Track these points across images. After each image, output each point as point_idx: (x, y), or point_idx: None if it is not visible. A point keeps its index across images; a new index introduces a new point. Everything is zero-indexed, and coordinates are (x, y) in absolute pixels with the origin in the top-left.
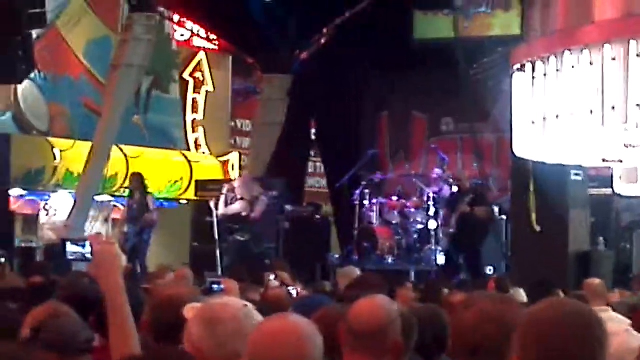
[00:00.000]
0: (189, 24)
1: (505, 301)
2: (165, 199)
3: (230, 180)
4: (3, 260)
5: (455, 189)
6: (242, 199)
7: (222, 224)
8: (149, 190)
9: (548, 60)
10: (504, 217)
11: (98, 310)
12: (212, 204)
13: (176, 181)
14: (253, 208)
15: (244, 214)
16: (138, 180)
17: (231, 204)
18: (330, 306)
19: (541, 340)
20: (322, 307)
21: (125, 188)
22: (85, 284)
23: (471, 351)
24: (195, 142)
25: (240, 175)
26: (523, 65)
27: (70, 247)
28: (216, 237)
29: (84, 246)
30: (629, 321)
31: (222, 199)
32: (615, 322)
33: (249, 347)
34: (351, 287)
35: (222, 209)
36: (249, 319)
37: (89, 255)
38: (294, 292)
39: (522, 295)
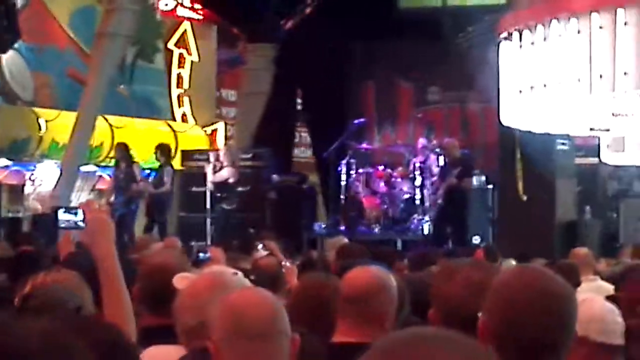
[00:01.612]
0: None
1: (488, 269)
2: (151, 169)
3: (217, 149)
4: None
5: (442, 159)
6: (228, 165)
7: (210, 194)
8: (135, 160)
9: (535, 28)
10: (490, 186)
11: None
12: (208, 172)
13: None
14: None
15: (231, 180)
16: (123, 150)
17: (218, 171)
18: (309, 276)
19: (506, 304)
20: None
21: (111, 158)
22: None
23: (461, 322)
24: (181, 112)
25: (225, 145)
26: (510, 34)
27: (61, 216)
28: (208, 206)
29: (75, 214)
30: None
31: (210, 167)
32: (604, 291)
33: (218, 320)
34: (337, 256)
35: (210, 177)
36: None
37: (80, 223)
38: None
39: (512, 265)
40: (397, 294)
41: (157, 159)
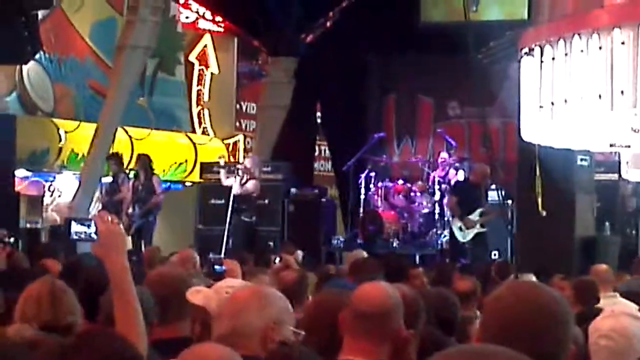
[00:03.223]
0: (195, 6)
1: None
2: (170, 181)
3: (237, 162)
4: (12, 240)
5: (462, 174)
6: (253, 178)
7: (233, 205)
8: (155, 172)
9: (557, 44)
10: (509, 201)
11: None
12: (234, 185)
13: (181, 163)
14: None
15: (255, 193)
16: (144, 162)
17: (245, 184)
18: (326, 291)
19: (499, 318)
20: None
21: (131, 170)
22: (93, 267)
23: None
24: (201, 124)
25: (244, 158)
26: (531, 49)
27: (75, 227)
28: (228, 218)
29: (89, 226)
30: (636, 306)
31: (237, 180)
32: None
33: None
34: (350, 271)
35: (237, 189)
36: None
37: (94, 235)
38: None
39: (532, 280)
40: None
41: (141, 170)
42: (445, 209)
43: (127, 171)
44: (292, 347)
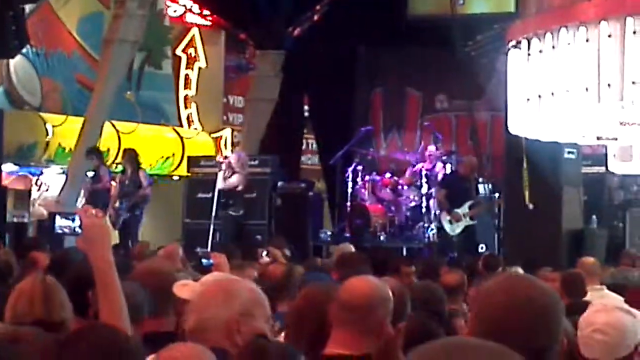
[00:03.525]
0: (182, 0)
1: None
2: (157, 175)
3: (225, 156)
4: None
5: (449, 167)
6: (238, 172)
7: (218, 199)
8: (141, 165)
9: (544, 37)
10: (497, 194)
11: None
12: (218, 179)
13: (168, 157)
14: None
15: (240, 187)
16: (131, 156)
17: (228, 178)
18: (314, 284)
19: (489, 312)
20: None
21: (118, 164)
22: (80, 261)
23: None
24: (188, 118)
25: (232, 152)
26: (518, 42)
27: (59, 221)
28: (213, 213)
29: (73, 220)
30: (622, 298)
31: (220, 174)
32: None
33: None
34: (337, 264)
35: (220, 184)
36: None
37: (78, 229)
38: None
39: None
40: (400, 302)
41: (128, 164)
42: (433, 202)
43: (109, 164)
44: (266, 340)
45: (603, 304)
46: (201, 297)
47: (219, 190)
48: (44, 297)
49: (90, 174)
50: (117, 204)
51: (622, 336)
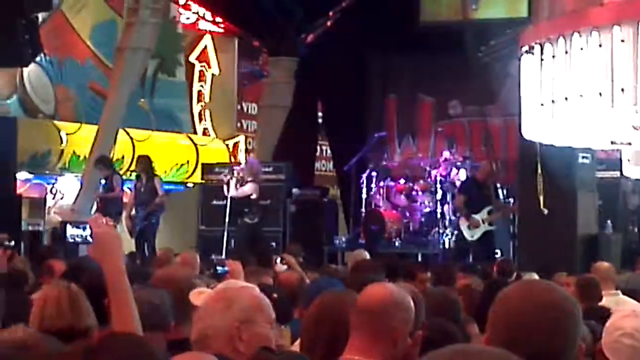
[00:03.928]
0: (195, 7)
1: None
2: (172, 182)
3: (239, 163)
4: (12, 243)
5: (464, 172)
6: (252, 181)
7: (232, 207)
8: (156, 173)
9: (557, 42)
10: (511, 199)
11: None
12: (225, 187)
13: (182, 164)
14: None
15: (254, 196)
16: (145, 163)
17: (242, 186)
18: (331, 291)
19: (506, 317)
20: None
21: (132, 171)
22: (95, 269)
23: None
24: (202, 125)
25: (246, 159)
26: (531, 47)
27: (70, 230)
28: (226, 220)
29: (84, 229)
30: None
31: (233, 181)
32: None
33: None
34: (352, 272)
35: (233, 192)
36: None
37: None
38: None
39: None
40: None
41: (143, 171)
42: (448, 207)
43: (123, 172)
44: (270, 352)
45: (631, 310)
46: (203, 307)
47: (232, 198)
48: (71, 303)
49: (103, 182)
50: (133, 212)
51: None
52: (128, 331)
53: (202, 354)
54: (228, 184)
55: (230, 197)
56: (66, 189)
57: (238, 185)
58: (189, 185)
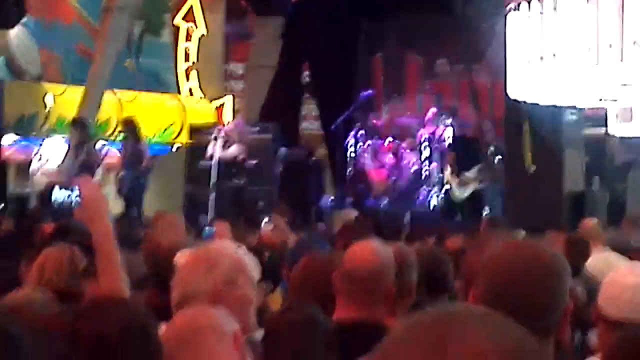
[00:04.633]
0: None
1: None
2: (159, 143)
3: (224, 124)
4: (2, 206)
5: (451, 130)
6: (238, 142)
7: (219, 168)
8: (143, 135)
9: None
10: (499, 157)
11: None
12: (210, 148)
13: (170, 125)
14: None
15: (240, 157)
16: (131, 126)
17: (228, 147)
18: (317, 253)
19: (491, 274)
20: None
21: (120, 132)
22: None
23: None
24: (189, 86)
25: (234, 119)
26: (518, 4)
27: (57, 193)
28: (213, 181)
29: (72, 190)
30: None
31: (219, 142)
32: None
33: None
34: (340, 234)
35: (219, 153)
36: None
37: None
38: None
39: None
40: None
41: (129, 133)
42: (436, 165)
43: (110, 133)
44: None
45: (629, 267)
46: (183, 270)
47: (219, 160)
48: (69, 266)
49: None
50: (121, 173)
51: None
52: (115, 292)
53: (207, 307)
54: (214, 145)
55: (217, 159)
56: (52, 151)
57: (224, 147)
58: (175, 146)
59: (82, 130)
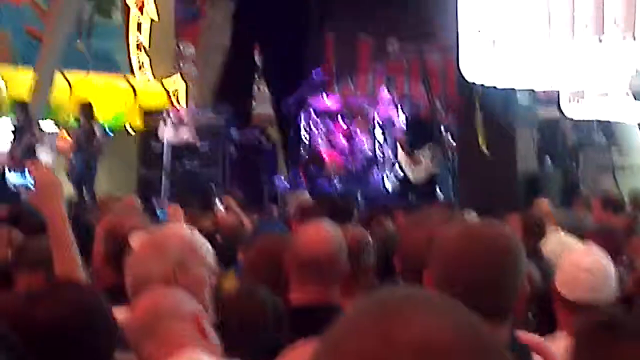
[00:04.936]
0: None
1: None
2: (111, 126)
3: (175, 108)
4: None
5: (403, 112)
6: (188, 124)
7: (172, 151)
8: (95, 117)
9: None
10: (450, 137)
11: None
12: (160, 132)
13: (122, 108)
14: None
15: (191, 139)
16: (84, 109)
17: (178, 130)
18: (270, 234)
19: (442, 253)
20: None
21: (74, 116)
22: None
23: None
24: (140, 67)
25: (186, 102)
26: None
27: (10, 176)
28: (165, 164)
29: (23, 174)
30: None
31: (169, 125)
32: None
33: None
34: (296, 214)
35: (169, 136)
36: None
37: (29, 184)
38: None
39: (474, 218)
40: (361, 247)
41: (82, 116)
42: (388, 147)
43: (61, 115)
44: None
45: (586, 247)
46: (134, 256)
47: (171, 143)
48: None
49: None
50: (71, 156)
51: (606, 276)
52: (71, 275)
53: (166, 290)
54: (164, 128)
55: (168, 141)
56: (3, 134)
57: (175, 129)
58: (127, 129)
59: (25, 112)
